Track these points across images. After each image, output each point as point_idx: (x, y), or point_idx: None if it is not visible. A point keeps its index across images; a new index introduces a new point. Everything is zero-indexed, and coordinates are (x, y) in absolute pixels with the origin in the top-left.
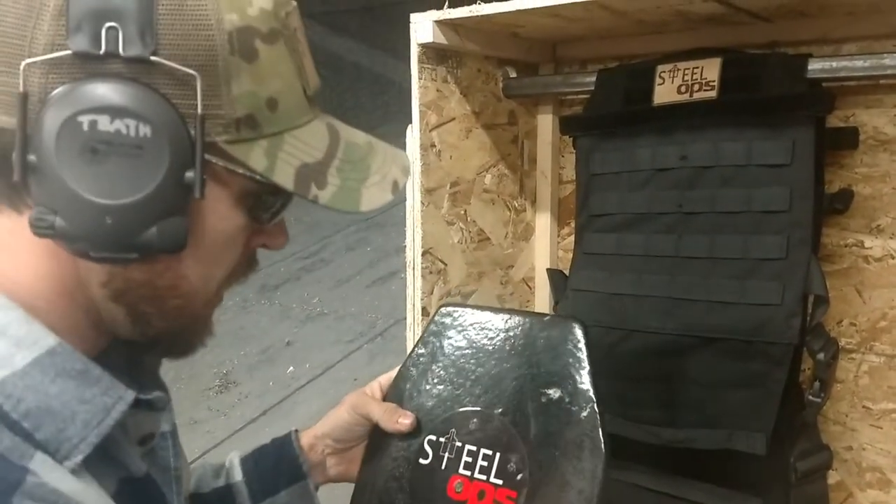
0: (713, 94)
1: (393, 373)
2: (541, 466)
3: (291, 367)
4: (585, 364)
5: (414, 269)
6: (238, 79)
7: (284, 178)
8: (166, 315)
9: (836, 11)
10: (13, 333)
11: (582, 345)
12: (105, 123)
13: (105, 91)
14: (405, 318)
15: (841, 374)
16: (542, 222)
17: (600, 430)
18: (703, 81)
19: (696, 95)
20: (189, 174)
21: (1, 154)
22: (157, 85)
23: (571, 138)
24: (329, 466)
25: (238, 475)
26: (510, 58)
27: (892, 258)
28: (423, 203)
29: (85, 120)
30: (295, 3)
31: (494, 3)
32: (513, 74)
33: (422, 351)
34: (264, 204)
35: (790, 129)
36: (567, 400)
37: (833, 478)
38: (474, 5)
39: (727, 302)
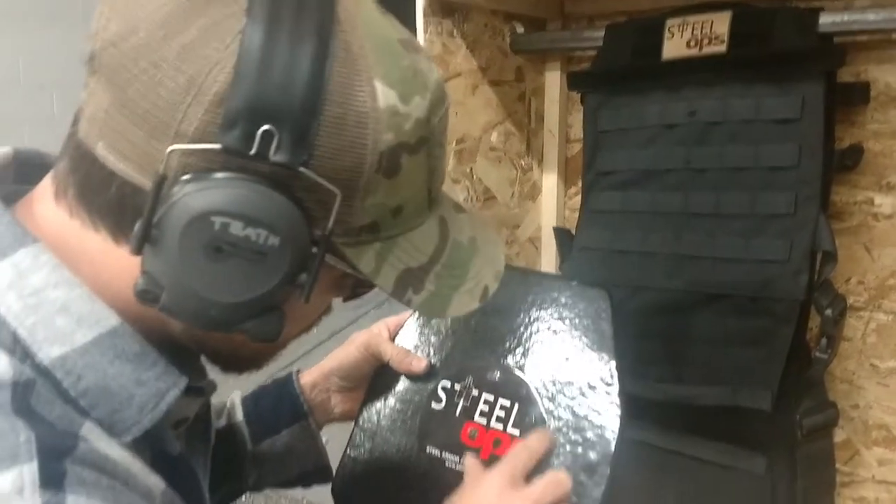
0: (723, 48)
1: (400, 317)
2: (559, 422)
3: None
4: (610, 347)
5: None
6: (374, 193)
7: (385, 281)
8: (234, 355)
9: None
10: (76, 310)
11: (607, 315)
12: (237, 228)
13: (245, 197)
14: None
15: (848, 332)
16: (549, 181)
17: (618, 406)
18: (713, 36)
19: (706, 50)
20: (302, 277)
21: (119, 198)
22: (295, 192)
23: (579, 95)
24: (334, 405)
25: (239, 415)
26: (518, 13)
27: None
28: None
29: (218, 221)
30: (449, 100)
31: None
32: (520, 30)
33: None
34: (357, 290)
35: (800, 84)
36: (588, 392)
37: (839, 435)
38: None
39: (734, 259)
